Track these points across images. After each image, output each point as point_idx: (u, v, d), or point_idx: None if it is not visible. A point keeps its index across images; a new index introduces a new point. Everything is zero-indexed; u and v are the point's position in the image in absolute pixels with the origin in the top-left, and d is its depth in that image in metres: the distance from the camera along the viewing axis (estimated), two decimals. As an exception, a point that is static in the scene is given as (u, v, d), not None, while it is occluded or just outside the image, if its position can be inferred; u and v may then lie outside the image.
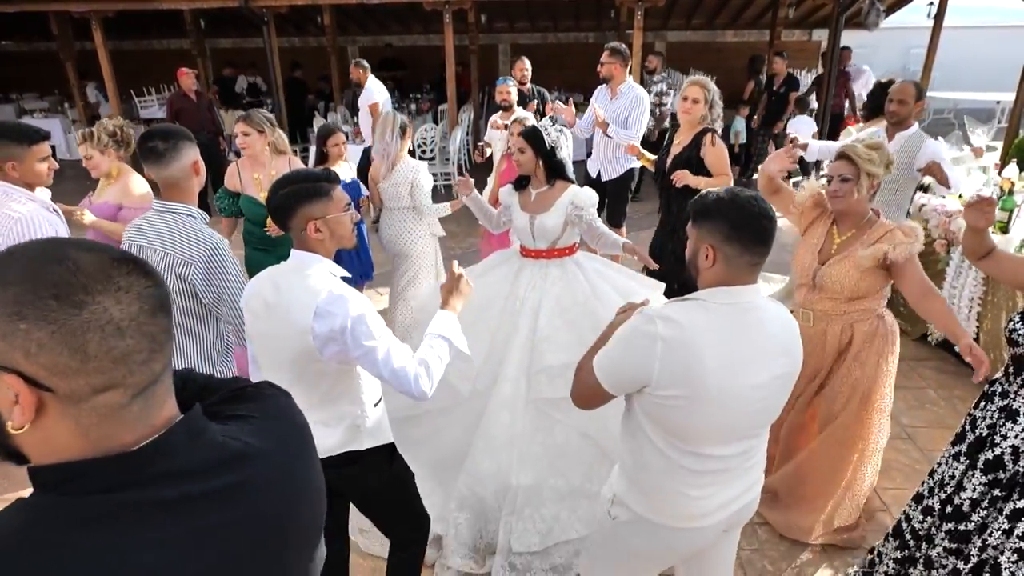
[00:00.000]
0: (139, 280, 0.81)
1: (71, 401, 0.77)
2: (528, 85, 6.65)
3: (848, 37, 10.91)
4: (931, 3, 10.12)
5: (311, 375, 2.03)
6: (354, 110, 11.06)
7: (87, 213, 3.44)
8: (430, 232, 4.63)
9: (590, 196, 3.21)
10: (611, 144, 5.37)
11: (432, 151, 8.88)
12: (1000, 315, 4.00)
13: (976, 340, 4.21)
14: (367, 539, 3.01)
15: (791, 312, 1.90)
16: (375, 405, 2.19)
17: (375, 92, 7.99)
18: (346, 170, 4.36)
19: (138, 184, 3.61)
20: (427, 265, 4.59)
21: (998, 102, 11.75)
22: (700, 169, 4.13)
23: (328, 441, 2.10)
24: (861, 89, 9.04)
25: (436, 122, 9.72)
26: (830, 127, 9.94)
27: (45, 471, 0.79)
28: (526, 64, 6.65)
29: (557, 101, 5.67)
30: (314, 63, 13.48)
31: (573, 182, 3.27)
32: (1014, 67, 7.61)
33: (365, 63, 8.06)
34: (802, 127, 8.55)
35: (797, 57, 14.05)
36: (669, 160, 4.30)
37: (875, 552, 2.72)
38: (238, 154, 4.09)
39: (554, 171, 3.23)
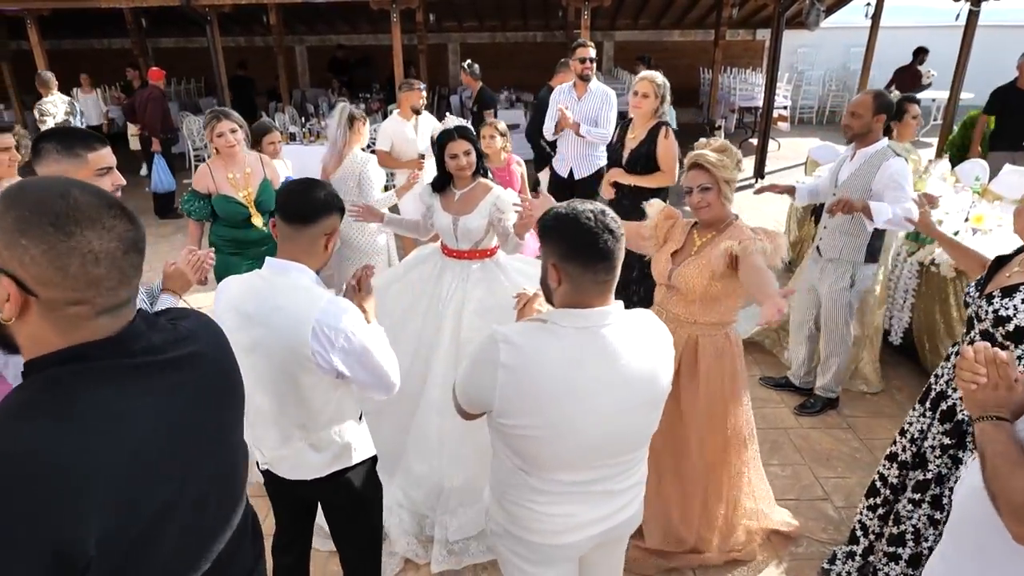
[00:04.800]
0: (123, 223, 1.03)
1: (48, 307, 1.00)
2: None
3: (791, 37, 11.20)
4: (868, 3, 10.42)
5: (301, 392, 1.94)
6: (303, 111, 10.91)
7: None
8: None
9: (513, 199, 3.18)
10: (582, 143, 5.34)
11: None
12: (933, 305, 4.14)
13: (910, 327, 4.37)
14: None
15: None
16: (359, 420, 2.15)
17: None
18: (282, 169, 4.30)
19: None
20: (378, 256, 4.58)
21: (933, 100, 12.17)
22: (655, 162, 4.26)
23: (317, 461, 2.05)
24: None
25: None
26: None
27: (53, 356, 1.02)
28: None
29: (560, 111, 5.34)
30: (262, 63, 13.22)
31: (493, 181, 3.25)
32: (947, 66, 7.90)
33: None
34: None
35: (742, 56, 14.37)
36: (626, 155, 4.38)
37: (853, 525, 2.79)
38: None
39: (481, 168, 3.21)
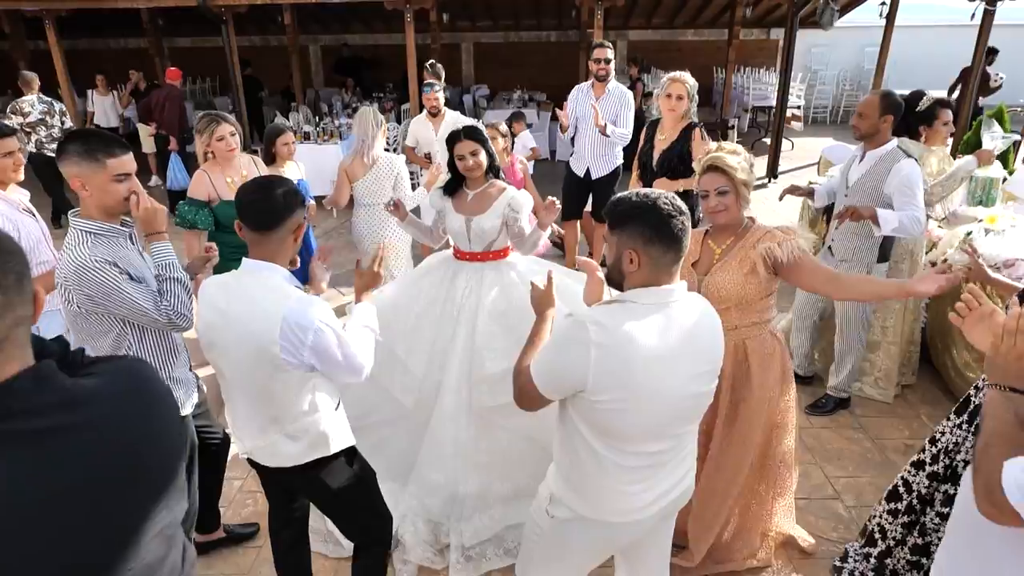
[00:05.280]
0: None
1: None
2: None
3: (805, 36, 11.15)
4: (883, 3, 10.35)
5: (274, 386, 1.99)
6: (316, 110, 10.98)
7: None
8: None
9: (526, 200, 3.17)
10: (600, 142, 5.37)
11: (396, 150, 8.86)
12: (945, 306, 4.12)
13: (924, 329, 4.36)
14: (315, 538, 2.93)
15: None
16: (335, 410, 2.18)
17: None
18: (295, 170, 4.31)
19: None
20: (403, 257, 4.68)
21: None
22: (689, 163, 4.24)
23: (293, 451, 2.10)
24: None
25: (399, 121, 9.70)
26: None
27: None
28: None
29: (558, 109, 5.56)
30: (276, 62, 13.31)
31: (505, 181, 3.23)
32: (962, 65, 7.84)
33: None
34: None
35: (756, 56, 14.33)
36: (656, 156, 4.39)
37: (871, 526, 2.74)
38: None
39: (493, 169, 3.18)
